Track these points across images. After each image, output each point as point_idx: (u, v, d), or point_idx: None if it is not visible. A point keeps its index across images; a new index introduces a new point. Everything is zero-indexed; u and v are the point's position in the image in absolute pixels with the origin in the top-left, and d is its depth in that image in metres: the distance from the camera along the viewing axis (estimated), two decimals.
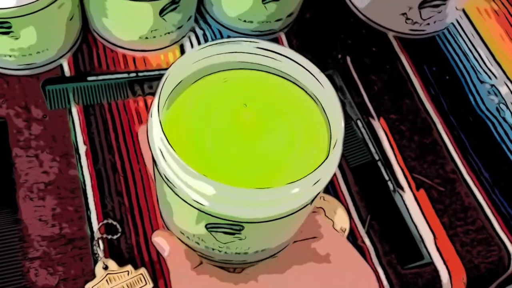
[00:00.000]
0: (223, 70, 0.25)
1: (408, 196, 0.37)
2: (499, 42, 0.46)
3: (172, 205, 0.24)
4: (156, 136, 0.21)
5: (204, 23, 0.43)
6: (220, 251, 0.24)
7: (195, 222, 0.23)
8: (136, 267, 0.31)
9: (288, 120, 0.24)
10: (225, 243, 0.23)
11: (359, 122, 0.39)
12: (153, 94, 0.38)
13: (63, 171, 0.34)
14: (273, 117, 0.24)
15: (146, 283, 0.31)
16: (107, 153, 0.36)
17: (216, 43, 0.23)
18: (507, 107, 0.43)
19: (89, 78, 0.38)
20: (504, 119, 0.42)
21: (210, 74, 0.25)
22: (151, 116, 0.22)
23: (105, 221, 0.33)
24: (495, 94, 0.43)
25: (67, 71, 0.38)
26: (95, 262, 0.32)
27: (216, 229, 0.22)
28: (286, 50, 0.24)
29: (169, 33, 0.38)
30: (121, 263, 0.31)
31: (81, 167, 0.35)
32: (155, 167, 0.23)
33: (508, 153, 0.40)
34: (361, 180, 0.37)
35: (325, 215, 0.35)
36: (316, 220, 0.27)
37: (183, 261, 0.25)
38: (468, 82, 0.43)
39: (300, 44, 0.43)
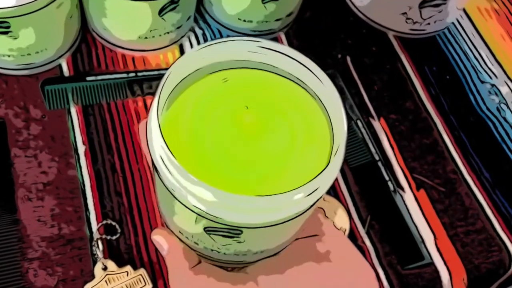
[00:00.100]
0: (223, 70, 0.25)
1: (408, 196, 0.37)
2: (499, 41, 0.46)
3: (171, 207, 0.24)
4: (156, 142, 0.21)
5: (204, 23, 0.42)
6: (219, 252, 0.24)
7: (193, 225, 0.23)
8: (135, 268, 0.31)
9: (289, 120, 0.24)
10: (224, 245, 0.23)
11: (359, 122, 0.39)
12: (153, 94, 0.38)
13: (62, 172, 0.34)
14: (274, 117, 0.24)
15: (145, 284, 0.30)
16: (106, 153, 0.35)
17: (217, 42, 0.23)
18: (508, 107, 0.43)
19: (88, 78, 0.38)
20: (504, 119, 0.42)
21: (210, 73, 0.25)
22: (151, 119, 0.22)
23: (104, 222, 0.33)
24: (496, 94, 0.43)
25: (66, 71, 0.38)
26: (94, 262, 0.31)
27: (214, 232, 0.22)
28: (288, 49, 0.24)
29: (168, 32, 0.38)
30: (120, 264, 0.31)
31: (80, 167, 0.35)
32: (154, 170, 0.23)
33: (509, 153, 0.40)
34: (361, 180, 0.37)
35: (325, 215, 0.35)
36: (317, 218, 0.27)
37: (181, 260, 0.25)
38: (468, 82, 0.43)
39: (300, 43, 0.43)
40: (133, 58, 0.40)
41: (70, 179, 0.34)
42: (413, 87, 0.42)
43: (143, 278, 0.31)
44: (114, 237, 0.33)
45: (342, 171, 0.37)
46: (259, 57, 0.24)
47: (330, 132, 0.24)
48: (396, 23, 0.44)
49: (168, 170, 0.21)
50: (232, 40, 0.24)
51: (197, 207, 0.21)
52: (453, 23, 0.46)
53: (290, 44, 0.43)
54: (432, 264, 0.35)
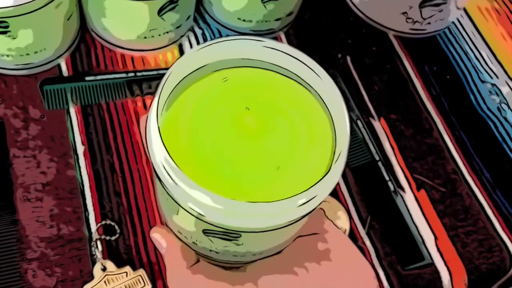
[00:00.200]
0: (223, 69, 0.25)
1: (408, 196, 0.37)
2: (500, 41, 0.46)
3: (170, 208, 0.23)
4: (155, 144, 0.21)
5: (203, 23, 0.42)
6: (217, 253, 0.24)
7: (192, 227, 0.23)
8: (134, 268, 0.31)
9: (291, 120, 0.24)
10: (222, 247, 0.23)
11: (359, 122, 0.39)
12: (152, 94, 0.38)
13: (61, 172, 0.34)
14: (275, 118, 0.24)
15: (144, 284, 0.30)
16: (105, 154, 0.35)
17: (218, 42, 0.23)
18: (509, 107, 0.42)
19: (87, 78, 0.38)
20: (505, 118, 0.42)
21: (210, 73, 0.25)
22: (150, 121, 0.21)
23: (103, 222, 0.33)
24: (497, 94, 0.43)
25: (65, 71, 0.38)
26: (93, 263, 0.31)
27: (213, 234, 0.22)
28: (288, 48, 0.23)
29: (167, 32, 0.38)
30: (119, 264, 0.31)
31: (79, 167, 0.35)
32: (154, 172, 0.22)
33: (510, 153, 0.40)
34: (361, 180, 0.37)
35: (325, 215, 0.35)
36: (317, 217, 0.27)
37: (179, 259, 0.25)
38: (469, 81, 0.43)
39: (300, 43, 0.43)
40: (132, 58, 0.40)
41: (69, 179, 0.34)
42: (414, 87, 0.42)
43: (142, 279, 0.31)
44: (113, 238, 0.32)
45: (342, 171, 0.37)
46: (259, 56, 0.24)
47: (332, 131, 0.24)
48: (396, 23, 0.43)
49: (167, 172, 0.20)
50: (233, 40, 0.23)
51: (195, 211, 0.20)
52: (453, 22, 0.46)
53: (290, 44, 0.42)
54: (432, 264, 0.35)
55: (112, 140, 0.36)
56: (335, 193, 0.36)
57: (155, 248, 0.32)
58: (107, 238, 0.32)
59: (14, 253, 0.31)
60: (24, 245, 0.32)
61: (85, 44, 0.40)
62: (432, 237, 0.36)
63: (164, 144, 0.20)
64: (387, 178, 0.37)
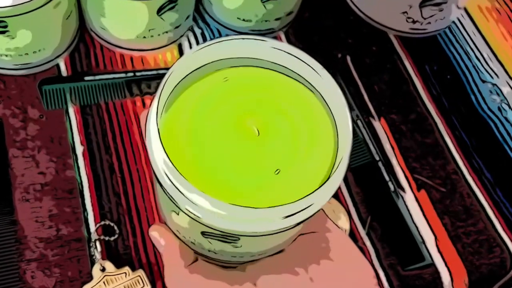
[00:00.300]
0: (223, 69, 0.24)
1: (409, 197, 0.37)
2: (501, 41, 0.46)
3: (168, 209, 0.23)
4: (154, 145, 0.21)
5: (203, 22, 0.42)
6: (216, 253, 0.24)
7: (190, 228, 0.23)
8: (133, 269, 0.31)
9: (292, 120, 0.23)
10: (221, 248, 0.23)
11: (359, 122, 0.39)
12: (151, 94, 0.38)
13: (60, 172, 0.34)
14: (276, 119, 0.23)
15: (144, 285, 0.30)
16: (105, 154, 0.35)
17: (219, 41, 0.23)
18: (509, 107, 0.42)
19: (86, 78, 0.38)
20: (506, 118, 0.42)
21: (210, 73, 0.24)
22: (150, 123, 0.21)
23: (102, 223, 0.33)
24: (497, 94, 0.43)
25: (64, 71, 0.38)
26: (92, 263, 0.31)
27: (211, 237, 0.22)
28: (289, 47, 0.23)
29: (166, 32, 0.38)
30: (118, 265, 0.31)
31: (78, 168, 0.34)
32: (153, 173, 0.22)
33: (510, 153, 0.40)
34: (361, 180, 0.37)
35: (325, 214, 0.34)
36: (317, 215, 0.27)
37: (177, 258, 0.25)
38: (469, 81, 0.43)
39: (300, 43, 0.42)
40: (131, 58, 0.40)
41: (68, 179, 0.34)
42: (414, 87, 0.42)
43: (142, 279, 0.30)
44: (112, 238, 0.32)
45: None
46: (260, 55, 0.24)
47: (334, 131, 0.23)
48: (396, 22, 0.43)
49: (166, 175, 0.20)
50: (234, 39, 0.23)
51: (193, 214, 0.20)
52: (454, 22, 0.46)
53: (290, 44, 0.42)
54: (432, 265, 0.35)
55: (111, 140, 0.36)
56: (335, 194, 0.36)
57: (154, 248, 0.32)
58: (106, 238, 0.32)
59: (12, 254, 0.31)
60: (23, 246, 0.31)
61: (84, 44, 0.39)
62: (433, 237, 0.36)
63: (163, 146, 0.20)
64: (387, 178, 0.37)
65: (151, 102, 0.22)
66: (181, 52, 0.41)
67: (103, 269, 0.31)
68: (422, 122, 0.40)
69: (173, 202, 0.21)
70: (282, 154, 0.23)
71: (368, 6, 0.44)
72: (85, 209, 0.33)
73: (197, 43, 0.41)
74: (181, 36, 0.41)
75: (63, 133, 0.36)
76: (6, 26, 0.33)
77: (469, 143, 0.40)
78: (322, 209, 0.35)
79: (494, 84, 0.43)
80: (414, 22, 0.43)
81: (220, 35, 0.42)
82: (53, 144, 0.35)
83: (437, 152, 0.39)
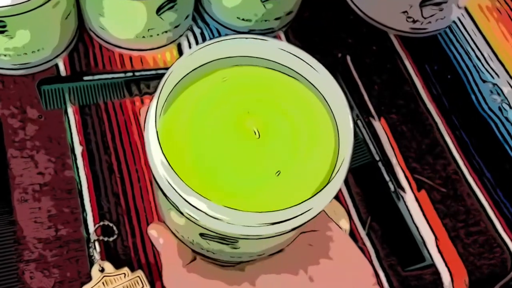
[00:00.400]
0: (222, 68, 0.24)
1: (409, 197, 0.37)
2: (501, 40, 0.45)
3: (167, 210, 0.23)
4: (153, 147, 0.21)
5: (202, 22, 0.42)
6: (214, 253, 0.24)
7: (188, 229, 0.22)
8: (132, 269, 0.31)
9: (292, 120, 0.23)
10: (219, 249, 0.23)
11: (359, 122, 0.39)
12: (150, 94, 0.38)
13: (59, 172, 0.34)
14: (276, 119, 0.23)
15: (143, 286, 0.30)
16: (104, 154, 0.35)
17: (218, 41, 0.23)
18: (510, 107, 0.42)
19: (85, 78, 0.37)
20: (506, 118, 0.42)
21: (208, 73, 0.24)
22: (148, 124, 0.21)
23: (101, 223, 0.33)
24: (498, 93, 0.43)
25: (62, 71, 0.38)
26: (91, 264, 0.31)
27: (210, 238, 0.22)
28: (290, 47, 0.23)
29: (166, 32, 0.38)
30: (117, 265, 0.31)
31: (77, 168, 0.34)
32: (151, 174, 0.22)
33: (511, 153, 0.40)
34: (361, 181, 0.37)
35: (325, 213, 0.34)
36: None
37: (176, 257, 0.25)
38: (470, 81, 0.43)
39: (300, 43, 0.42)
40: (130, 58, 0.39)
41: (67, 180, 0.34)
42: (414, 87, 0.42)
43: (141, 280, 0.30)
44: (111, 239, 0.32)
45: None
46: (259, 54, 0.24)
47: (334, 131, 0.23)
48: (396, 22, 0.43)
49: (164, 176, 0.20)
50: (233, 38, 0.23)
51: (191, 216, 0.20)
52: (454, 22, 0.46)
53: (289, 43, 0.42)
54: (433, 265, 0.35)
55: (110, 140, 0.36)
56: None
57: (153, 249, 0.32)
58: (105, 239, 0.32)
59: (11, 254, 0.31)
60: (22, 246, 0.31)
61: (83, 43, 0.39)
62: (433, 237, 0.35)
63: (161, 148, 0.20)
64: (387, 178, 0.37)
65: (150, 103, 0.22)
66: (180, 52, 0.41)
67: (102, 270, 0.31)
68: (422, 122, 0.40)
69: (171, 204, 0.21)
70: (282, 154, 0.22)
71: (368, 5, 0.44)
72: (84, 210, 0.33)
73: (197, 43, 0.41)
74: (181, 36, 0.40)
75: (62, 133, 0.35)
76: (4, 26, 0.33)
77: (470, 143, 0.40)
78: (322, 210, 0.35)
79: (494, 84, 0.43)
80: (414, 21, 0.43)
81: (220, 35, 0.42)
82: (52, 144, 0.35)
83: (437, 152, 0.39)
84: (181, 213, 0.21)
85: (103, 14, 0.36)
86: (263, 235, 0.21)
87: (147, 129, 0.21)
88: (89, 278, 0.31)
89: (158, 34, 0.38)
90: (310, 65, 0.23)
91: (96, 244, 0.32)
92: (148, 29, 0.37)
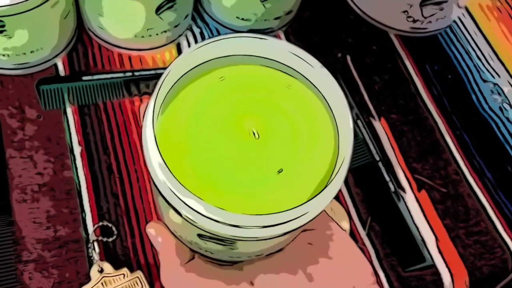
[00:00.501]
0: (219, 67, 0.24)
1: (409, 197, 0.37)
2: (502, 40, 0.45)
3: (165, 210, 0.23)
4: (150, 148, 0.20)
5: (202, 22, 0.42)
6: (212, 253, 0.24)
7: (186, 230, 0.22)
8: (132, 270, 0.31)
9: (291, 119, 0.23)
10: (217, 249, 0.23)
11: (359, 122, 0.39)
12: (149, 93, 0.38)
13: (58, 173, 0.34)
14: (275, 118, 0.23)
15: (142, 286, 0.30)
16: (103, 154, 0.35)
17: (215, 41, 0.22)
18: (511, 106, 0.42)
19: (84, 78, 0.37)
20: (507, 118, 0.41)
21: (206, 72, 0.24)
22: (145, 126, 0.21)
23: (100, 223, 0.32)
24: (498, 93, 0.43)
25: (61, 71, 0.38)
26: (90, 265, 0.31)
27: (207, 239, 0.22)
28: (289, 45, 0.23)
29: (165, 31, 0.38)
30: (116, 266, 0.31)
31: (76, 168, 0.34)
32: (149, 175, 0.22)
33: None
34: (361, 181, 0.37)
35: (324, 211, 0.34)
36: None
37: (174, 256, 0.25)
38: (470, 81, 0.43)
39: (299, 42, 0.42)
40: (129, 58, 0.39)
41: (66, 180, 0.34)
42: (414, 87, 0.42)
43: (140, 281, 0.30)
44: (110, 239, 0.32)
45: None
46: (257, 53, 0.24)
47: (334, 131, 0.23)
48: (397, 22, 0.43)
49: (162, 178, 0.20)
50: (232, 37, 0.23)
51: (189, 217, 0.20)
52: (455, 21, 0.46)
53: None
54: (433, 266, 0.34)
55: (109, 140, 0.36)
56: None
57: (153, 249, 0.32)
58: (104, 239, 0.32)
59: (10, 255, 0.31)
60: (21, 247, 0.31)
61: (82, 43, 0.39)
62: (433, 238, 0.35)
63: (159, 149, 0.20)
64: (387, 178, 0.37)
65: (146, 105, 0.21)
66: (179, 52, 0.40)
67: (101, 270, 0.30)
68: (422, 122, 0.40)
69: (169, 205, 0.21)
70: (282, 154, 0.22)
71: (368, 5, 0.44)
72: (83, 210, 0.33)
73: (196, 42, 0.41)
74: (180, 36, 0.40)
75: (61, 134, 0.35)
76: (3, 26, 0.33)
77: (470, 143, 0.40)
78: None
79: (495, 84, 0.43)
80: (414, 21, 0.43)
81: (219, 35, 0.42)
82: (51, 145, 0.35)
83: (437, 152, 0.39)
84: (179, 214, 0.21)
85: (102, 14, 0.36)
86: (261, 237, 0.21)
87: (144, 130, 0.21)
88: (88, 279, 0.30)
89: (157, 34, 0.38)
90: (310, 64, 0.23)
91: (95, 244, 0.32)
92: (147, 29, 0.37)
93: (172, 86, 0.23)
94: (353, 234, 0.35)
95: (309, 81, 0.24)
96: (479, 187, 0.38)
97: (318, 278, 0.25)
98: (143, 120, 0.22)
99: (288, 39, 0.42)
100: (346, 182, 0.37)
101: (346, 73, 0.41)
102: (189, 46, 0.41)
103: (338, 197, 0.36)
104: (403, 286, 0.34)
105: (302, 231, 0.26)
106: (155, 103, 0.21)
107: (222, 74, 0.24)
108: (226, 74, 0.24)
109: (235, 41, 0.23)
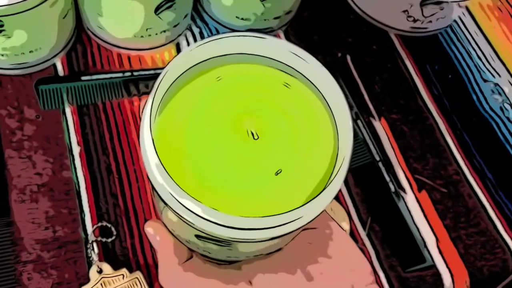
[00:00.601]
0: (216, 67, 0.24)
1: (409, 197, 0.37)
2: (503, 39, 0.45)
3: (164, 210, 0.23)
4: (148, 149, 0.20)
5: (201, 21, 0.42)
6: (210, 253, 0.24)
7: (184, 230, 0.22)
8: (131, 271, 0.31)
9: (291, 119, 0.23)
10: (215, 249, 0.23)
11: (359, 122, 0.39)
12: (149, 93, 0.38)
13: (57, 173, 0.34)
14: (274, 118, 0.23)
15: (141, 287, 0.30)
16: (102, 154, 0.35)
17: (213, 40, 0.22)
18: (511, 106, 0.42)
19: (83, 78, 0.37)
20: (508, 118, 0.41)
21: (203, 72, 0.24)
22: (143, 126, 0.21)
23: (99, 224, 0.32)
24: (499, 93, 0.42)
25: (60, 71, 0.38)
26: (89, 265, 0.31)
27: (205, 239, 0.22)
28: (287, 44, 0.23)
29: (164, 31, 0.38)
30: (116, 267, 0.31)
31: (75, 168, 0.34)
32: (147, 175, 0.22)
33: None
34: (361, 181, 0.37)
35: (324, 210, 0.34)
36: None
37: (172, 255, 0.25)
38: (471, 81, 0.43)
39: (299, 42, 0.42)
40: (128, 57, 0.39)
41: (65, 180, 0.34)
42: (415, 87, 0.42)
43: (139, 281, 0.30)
44: (109, 240, 0.32)
45: None
46: (255, 52, 0.23)
47: (334, 131, 0.23)
48: (397, 21, 0.43)
49: (159, 178, 0.20)
50: (231, 36, 0.23)
51: (186, 218, 0.20)
52: (455, 21, 0.46)
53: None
54: (434, 266, 0.34)
55: (108, 140, 0.35)
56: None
57: (152, 250, 0.32)
58: (104, 240, 0.32)
59: (9, 255, 0.31)
60: (19, 247, 0.31)
61: (81, 43, 0.39)
62: (434, 238, 0.35)
63: (156, 151, 0.20)
64: (387, 179, 0.37)
65: (144, 105, 0.21)
66: (179, 52, 0.40)
67: (100, 271, 0.30)
68: (423, 122, 0.40)
69: (167, 206, 0.21)
70: (282, 155, 0.22)
71: (369, 4, 0.43)
72: (82, 210, 0.33)
73: (195, 42, 0.41)
74: (179, 35, 0.40)
75: (60, 134, 0.35)
76: (2, 25, 0.33)
77: (471, 143, 0.40)
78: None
79: (496, 84, 0.43)
80: (415, 20, 0.42)
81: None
82: (49, 145, 0.35)
83: (438, 152, 0.39)
84: (176, 214, 0.21)
85: (101, 14, 0.36)
86: (258, 239, 0.20)
87: (142, 130, 0.21)
88: (87, 280, 0.30)
89: (156, 34, 0.38)
90: (310, 64, 0.23)
91: (94, 245, 0.31)
92: (147, 29, 0.37)
93: (170, 86, 0.23)
94: (353, 235, 0.35)
95: (309, 80, 0.24)
96: (479, 187, 0.38)
97: (317, 277, 0.25)
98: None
99: (288, 38, 0.42)
100: (346, 182, 0.37)
101: (346, 73, 0.41)
102: (188, 46, 0.41)
103: (338, 197, 0.36)
104: (403, 287, 0.34)
105: (303, 229, 0.26)
106: (152, 103, 0.21)
107: (221, 74, 0.24)
108: (225, 74, 0.24)
109: (233, 40, 0.23)
